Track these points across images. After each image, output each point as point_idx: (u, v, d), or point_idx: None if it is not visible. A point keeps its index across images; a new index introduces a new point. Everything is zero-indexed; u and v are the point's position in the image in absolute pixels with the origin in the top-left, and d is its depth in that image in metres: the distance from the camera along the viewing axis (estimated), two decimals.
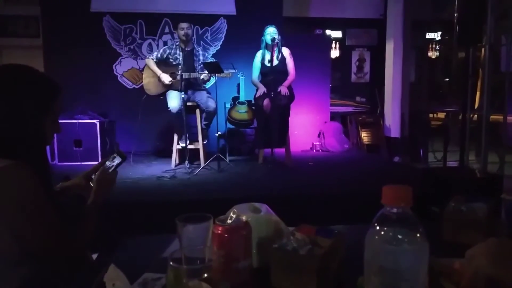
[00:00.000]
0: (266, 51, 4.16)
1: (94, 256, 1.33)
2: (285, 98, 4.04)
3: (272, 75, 3.98)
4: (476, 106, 4.77)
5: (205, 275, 0.66)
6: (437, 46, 7.01)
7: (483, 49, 3.90)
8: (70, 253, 1.05)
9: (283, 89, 4.04)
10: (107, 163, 1.28)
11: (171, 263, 0.65)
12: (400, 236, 0.55)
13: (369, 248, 0.57)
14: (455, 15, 3.92)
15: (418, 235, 0.55)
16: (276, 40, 4.05)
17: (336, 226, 1.12)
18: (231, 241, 0.76)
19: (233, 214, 0.89)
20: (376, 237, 0.56)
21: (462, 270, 0.73)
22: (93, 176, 1.28)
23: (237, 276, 0.77)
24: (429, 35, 6.89)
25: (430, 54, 6.97)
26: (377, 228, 0.56)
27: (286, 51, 4.22)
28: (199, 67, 4.10)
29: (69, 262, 1.06)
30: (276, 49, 4.12)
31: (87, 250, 1.26)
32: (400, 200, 0.55)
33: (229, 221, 0.80)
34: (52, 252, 1.01)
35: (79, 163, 4.34)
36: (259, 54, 4.24)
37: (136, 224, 2.62)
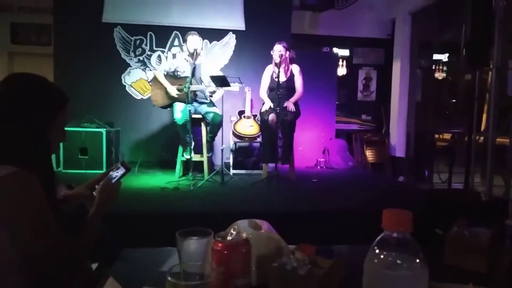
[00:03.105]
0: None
1: (94, 266, 1.33)
2: (290, 114, 4.05)
3: (279, 91, 4.00)
4: (483, 128, 4.75)
5: None
6: (444, 68, 7.03)
7: (490, 72, 3.91)
8: (70, 262, 1.05)
9: (289, 105, 4.06)
10: (111, 173, 1.29)
11: (169, 278, 0.65)
12: (399, 261, 0.54)
13: (368, 272, 0.57)
14: (462, 37, 3.94)
15: (417, 260, 0.55)
16: (283, 57, 4.08)
17: (338, 246, 1.11)
18: (230, 258, 0.76)
19: (234, 230, 0.89)
20: (375, 261, 0.56)
21: None
22: (96, 186, 1.29)
23: None
24: (436, 56, 6.92)
25: (437, 75, 6.98)
26: (377, 252, 0.56)
27: (296, 68, 4.24)
28: (207, 80, 4.14)
29: (69, 271, 1.06)
30: (283, 65, 4.15)
31: (87, 260, 1.26)
32: (400, 225, 0.55)
33: (229, 238, 0.80)
34: (52, 260, 1.01)
35: (84, 171, 4.37)
36: (269, 69, 4.27)
37: (137, 235, 2.60)
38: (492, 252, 1.00)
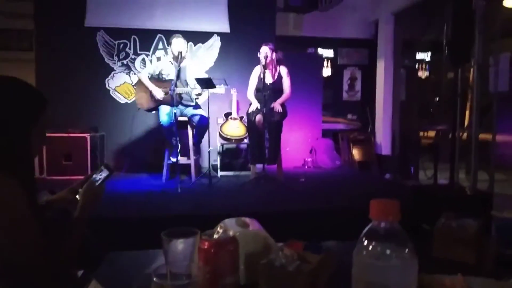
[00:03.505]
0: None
1: (80, 272, 1.30)
2: (277, 115, 4.05)
3: (266, 92, 4.00)
4: (466, 125, 4.82)
5: None
6: (427, 66, 7.13)
7: (471, 70, 3.98)
8: (53, 268, 1.02)
9: (276, 106, 4.06)
10: (95, 176, 1.26)
11: (155, 279, 0.64)
12: (388, 251, 0.54)
13: (357, 264, 0.56)
14: (444, 36, 4.00)
15: (406, 250, 0.54)
16: (269, 58, 4.08)
17: (326, 242, 1.11)
18: (217, 257, 0.74)
19: (220, 228, 0.87)
20: (364, 252, 0.55)
21: (452, 286, 0.72)
22: (80, 190, 1.26)
23: None
24: (420, 55, 7.02)
25: (420, 73, 7.08)
26: (365, 243, 0.55)
27: (284, 70, 4.23)
28: (192, 82, 4.11)
29: (53, 277, 1.03)
30: (270, 67, 4.15)
31: (73, 266, 1.23)
32: (388, 214, 0.55)
33: (215, 236, 0.78)
34: (34, 267, 0.98)
35: (68, 177, 4.28)
36: (257, 70, 4.25)
37: (124, 239, 2.56)
38: (479, 243, 1.01)
